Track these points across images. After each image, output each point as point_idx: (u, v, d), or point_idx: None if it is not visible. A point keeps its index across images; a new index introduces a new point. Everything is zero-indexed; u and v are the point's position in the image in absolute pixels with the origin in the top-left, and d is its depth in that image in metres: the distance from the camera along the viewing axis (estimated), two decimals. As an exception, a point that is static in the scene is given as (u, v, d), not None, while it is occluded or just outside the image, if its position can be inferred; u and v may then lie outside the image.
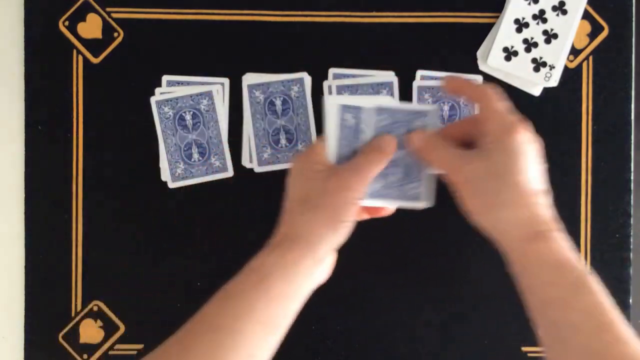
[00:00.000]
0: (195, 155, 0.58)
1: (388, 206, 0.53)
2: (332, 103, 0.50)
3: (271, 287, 0.46)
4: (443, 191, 0.59)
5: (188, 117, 0.58)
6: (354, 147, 0.51)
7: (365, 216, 0.54)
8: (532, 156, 0.48)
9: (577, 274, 0.45)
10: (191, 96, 0.58)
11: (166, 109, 0.58)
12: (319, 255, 0.48)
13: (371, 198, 0.51)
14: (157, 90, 0.58)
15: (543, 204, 0.47)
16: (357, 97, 0.58)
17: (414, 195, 0.52)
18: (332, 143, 0.50)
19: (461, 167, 0.49)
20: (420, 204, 0.53)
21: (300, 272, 0.47)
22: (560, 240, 0.46)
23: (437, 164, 0.50)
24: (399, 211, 0.59)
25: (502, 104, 0.49)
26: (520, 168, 0.47)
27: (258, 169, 0.59)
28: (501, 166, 0.47)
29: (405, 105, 0.52)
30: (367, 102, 0.51)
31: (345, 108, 0.51)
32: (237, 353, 0.44)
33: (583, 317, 0.43)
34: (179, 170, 0.58)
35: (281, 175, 0.58)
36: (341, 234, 0.48)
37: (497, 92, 0.50)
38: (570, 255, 0.46)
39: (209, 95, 0.58)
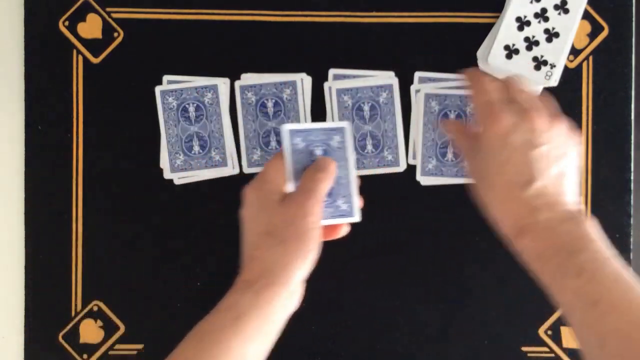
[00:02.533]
0: (196, 148, 0.58)
1: (324, 224, 0.52)
2: (284, 129, 0.51)
3: (247, 326, 0.46)
4: (444, 194, 0.59)
5: (191, 109, 0.58)
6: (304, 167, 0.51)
7: (322, 239, 0.53)
8: (514, 148, 0.48)
9: (559, 262, 0.45)
10: (196, 88, 0.58)
11: (170, 100, 0.58)
12: (293, 288, 0.48)
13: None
14: (165, 78, 0.58)
15: (528, 196, 0.48)
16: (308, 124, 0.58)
17: (345, 211, 0.53)
18: (288, 168, 0.51)
19: (467, 162, 0.52)
20: (353, 219, 0.53)
21: (275, 308, 0.48)
22: (542, 230, 0.47)
23: (458, 148, 0.55)
24: (398, 214, 0.59)
25: (485, 96, 0.50)
26: (497, 166, 0.48)
27: (247, 170, 0.59)
28: (481, 163, 0.50)
29: (318, 125, 0.53)
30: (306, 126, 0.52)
31: (294, 132, 0.51)
32: None
33: (572, 298, 0.44)
34: (178, 162, 0.58)
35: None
36: (311, 261, 0.49)
37: (484, 82, 0.51)
38: (553, 246, 0.46)
39: (214, 88, 0.58)
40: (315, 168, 0.50)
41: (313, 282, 0.59)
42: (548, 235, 0.47)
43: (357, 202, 0.53)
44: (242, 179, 0.59)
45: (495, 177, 0.49)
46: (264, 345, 0.47)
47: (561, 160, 0.49)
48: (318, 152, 0.52)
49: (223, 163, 0.59)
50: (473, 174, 0.52)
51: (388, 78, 0.58)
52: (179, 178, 0.58)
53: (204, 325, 0.47)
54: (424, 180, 0.59)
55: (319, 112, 0.58)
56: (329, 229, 0.53)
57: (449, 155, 0.59)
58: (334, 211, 0.52)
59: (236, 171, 0.59)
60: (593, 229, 0.47)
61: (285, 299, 0.48)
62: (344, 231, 0.54)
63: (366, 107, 0.58)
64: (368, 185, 0.58)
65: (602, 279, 0.44)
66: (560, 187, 0.48)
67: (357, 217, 0.53)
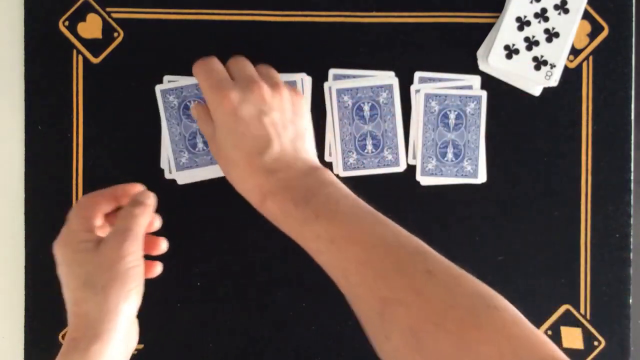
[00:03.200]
0: (200, 145, 0.58)
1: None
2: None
3: None
4: (444, 194, 0.59)
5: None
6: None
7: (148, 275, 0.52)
8: (246, 120, 0.50)
9: (299, 214, 0.47)
10: (196, 85, 0.58)
11: (171, 98, 0.58)
12: (124, 329, 0.47)
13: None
14: (166, 78, 0.58)
15: (266, 162, 0.49)
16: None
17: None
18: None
19: (211, 147, 0.53)
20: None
21: (111, 356, 0.46)
22: (280, 189, 0.48)
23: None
24: (398, 214, 0.59)
25: (207, 78, 0.52)
26: (234, 142, 0.50)
27: None
28: (222, 146, 0.51)
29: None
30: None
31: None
32: None
33: (314, 243, 0.47)
34: (183, 160, 0.58)
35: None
36: (137, 299, 0.48)
37: (207, 64, 0.53)
38: (292, 200, 0.48)
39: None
40: (131, 204, 0.50)
41: (313, 282, 0.59)
42: (286, 191, 0.48)
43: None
44: (242, 179, 0.59)
45: (234, 152, 0.50)
46: None
47: (294, 123, 0.52)
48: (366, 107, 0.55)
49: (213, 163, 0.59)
50: (217, 157, 0.53)
51: (388, 78, 0.58)
52: (183, 179, 0.58)
53: None
54: (423, 180, 0.59)
55: (319, 112, 0.58)
56: (147, 246, 0.52)
57: (449, 155, 0.59)
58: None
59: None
60: (327, 176, 0.49)
61: (117, 347, 0.46)
62: (162, 249, 0.54)
63: (366, 107, 0.58)
64: (368, 185, 0.58)
65: (335, 217, 0.46)
66: (297, 148, 0.51)
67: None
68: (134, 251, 0.48)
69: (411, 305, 0.41)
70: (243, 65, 0.53)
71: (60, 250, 0.49)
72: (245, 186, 0.51)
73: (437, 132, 0.58)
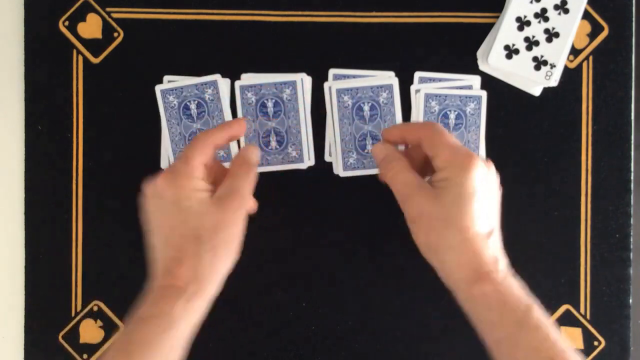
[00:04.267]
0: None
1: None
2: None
3: (178, 335, 0.45)
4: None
5: (193, 106, 0.58)
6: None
7: None
8: (484, 195, 0.46)
9: (520, 313, 0.44)
10: (196, 85, 0.58)
11: (171, 98, 0.58)
12: (216, 292, 0.48)
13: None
14: (166, 78, 0.58)
15: (489, 245, 0.46)
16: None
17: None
18: None
19: (414, 200, 0.47)
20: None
21: (202, 316, 0.47)
22: (505, 280, 0.46)
23: (394, 186, 0.49)
24: (398, 214, 0.59)
25: (451, 138, 0.48)
26: (469, 212, 0.45)
27: None
28: (450, 209, 0.46)
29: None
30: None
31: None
32: None
33: (529, 354, 0.43)
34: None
35: (271, 176, 0.58)
36: (233, 263, 0.48)
37: (442, 127, 0.49)
38: (514, 293, 0.45)
39: (213, 84, 0.58)
40: (240, 160, 0.50)
41: (313, 282, 0.59)
42: (508, 285, 0.46)
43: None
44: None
45: (463, 224, 0.45)
46: (185, 351, 0.47)
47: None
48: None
49: (228, 158, 0.59)
50: (424, 215, 0.47)
51: (388, 78, 0.58)
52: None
53: (134, 335, 0.45)
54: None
55: (319, 112, 0.58)
56: None
57: None
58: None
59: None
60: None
61: (208, 304, 0.47)
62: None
63: (366, 107, 0.58)
64: (368, 185, 0.58)
65: (556, 338, 0.44)
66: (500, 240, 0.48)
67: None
68: (243, 215, 0.48)
69: None
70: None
71: (170, 190, 0.47)
72: (459, 259, 0.46)
73: None
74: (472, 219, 0.45)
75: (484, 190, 0.46)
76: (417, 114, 0.58)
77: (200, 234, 0.46)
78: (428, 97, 0.58)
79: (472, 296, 0.46)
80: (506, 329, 0.44)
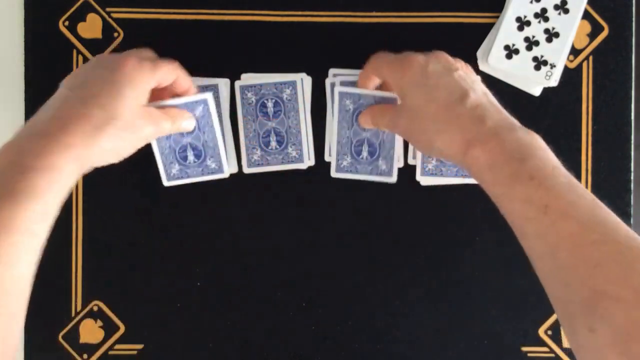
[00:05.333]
0: (191, 157, 0.57)
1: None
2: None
3: (65, 187, 0.45)
4: (444, 193, 0.59)
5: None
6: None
7: None
8: (436, 75, 0.49)
9: (514, 166, 0.44)
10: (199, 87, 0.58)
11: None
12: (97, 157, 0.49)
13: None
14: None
15: (468, 108, 0.47)
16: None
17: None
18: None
19: (395, 123, 0.52)
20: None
21: (86, 167, 0.48)
22: (495, 137, 0.45)
23: (383, 127, 0.55)
24: (399, 214, 0.59)
25: (388, 57, 0.53)
26: (427, 97, 0.49)
27: (247, 170, 0.59)
28: (413, 109, 0.49)
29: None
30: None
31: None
32: None
33: (523, 207, 0.43)
34: (174, 171, 0.58)
35: (271, 176, 0.58)
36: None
37: (382, 53, 0.54)
38: (506, 148, 0.45)
39: (214, 88, 0.58)
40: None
41: (313, 282, 0.59)
42: (497, 142, 0.45)
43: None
44: (241, 179, 0.59)
45: (429, 107, 0.48)
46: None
47: (478, 84, 0.51)
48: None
49: (219, 170, 0.58)
50: (408, 130, 0.51)
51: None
52: (179, 179, 0.58)
53: (20, 184, 0.42)
54: (423, 180, 0.59)
55: (319, 112, 0.58)
56: None
57: None
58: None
59: (235, 170, 0.59)
60: (539, 138, 0.46)
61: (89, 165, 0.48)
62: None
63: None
64: (368, 185, 0.58)
65: (552, 185, 0.42)
66: (493, 102, 0.49)
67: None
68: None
69: (631, 305, 0.37)
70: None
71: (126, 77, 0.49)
72: (445, 137, 0.47)
73: None
74: (435, 100, 0.48)
75: (430, 76, 0.49)
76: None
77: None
78: None
79: (467, 165, 0.47)
80: (501, 185, 0.44)
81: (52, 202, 0.44)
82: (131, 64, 0.49)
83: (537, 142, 0.45)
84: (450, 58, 0.52)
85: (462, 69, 0.51)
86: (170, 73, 0.52)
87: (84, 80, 0.49)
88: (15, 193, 0.42)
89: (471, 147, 0.46)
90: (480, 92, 0.49)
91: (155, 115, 0.51)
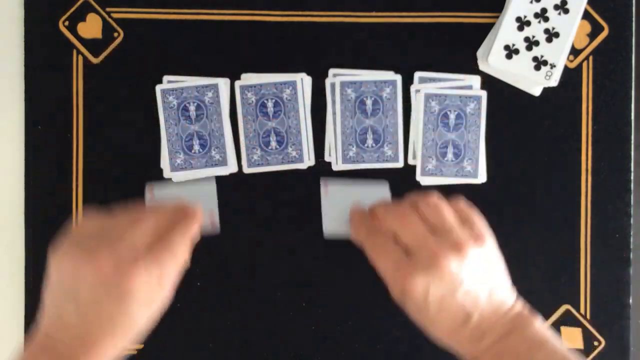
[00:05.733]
0: (196, 147, 0.58)
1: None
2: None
3: None
4: (444, 194, 0.59)
5: (192, 108, 0.58)
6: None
7: None
8: (438, 304, 0.47)
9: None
10: (197, 87, 0.58)
11: (170, 99, 0.58)
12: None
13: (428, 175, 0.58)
14: (165, 78, 0.58)
15: (470, 330, 0.48)
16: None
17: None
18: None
19: (393, 293, 0.50)
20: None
21: None
22: (495, 353, 0.47)
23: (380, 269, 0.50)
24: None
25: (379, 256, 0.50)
26: (430, 321, 0.49)
27: (247, 170, 0.59)
28: (415, 314, 0.49)
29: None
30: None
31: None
32: None
33: None
34: (178, 161, 0.58)
35: (271, 176, 0.58)
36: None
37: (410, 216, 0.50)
38: (510, 349, 0.47)
39: (214, 87, 0.58)
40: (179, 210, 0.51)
41: (313, 282, 0.59)
42: (501, 353, 0.47)
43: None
44: (241, 178, 0.59)
45: (431, 328, 0.49)
46: None
47: (489, 279, 0.49)
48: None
49: (223, 162, 0.58)
50: (407, 306, 0.50)
51: (391, 75, 0.58)
52: (178, 179, 0.58)
53: None
54: (423, 180, 0.59)
55: (319, 112, 0.58)
56: None
57: (449, 155, 0.58)
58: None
59: (235, 169, 0.59)
60: (534, 330, 0.47)
61: None
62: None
63: (369, 102, 0.58)
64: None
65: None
66: (495, 304, 0.48)
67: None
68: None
69: None
70: (437, 215, 0.50)
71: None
72: (450, 345, 0.50)
73: (437, 132, 0.58)
74: (432, 323, 0.49)
75: (432, 300, 0.47)
76: (418, 114, 0.58)
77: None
78: (428, 97, 0.58)
79: None
80: None
81: None
82: (137, 288, 0.45)
83: (539, 335, 0.47)
84: (454, 264, 0.47)
85: (472, 269, 0.47)
86: (179, 259, 0.48)
87: (86, 298, 0.45)
88: None
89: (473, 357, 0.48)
90: (484, 302, 0.48)
91: (167, 273, 0.47)
